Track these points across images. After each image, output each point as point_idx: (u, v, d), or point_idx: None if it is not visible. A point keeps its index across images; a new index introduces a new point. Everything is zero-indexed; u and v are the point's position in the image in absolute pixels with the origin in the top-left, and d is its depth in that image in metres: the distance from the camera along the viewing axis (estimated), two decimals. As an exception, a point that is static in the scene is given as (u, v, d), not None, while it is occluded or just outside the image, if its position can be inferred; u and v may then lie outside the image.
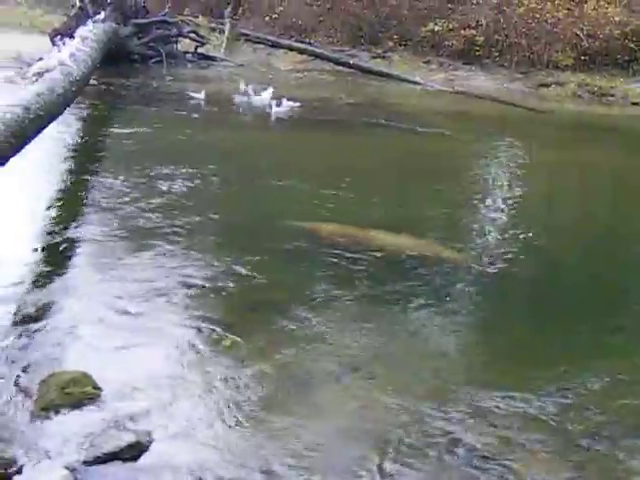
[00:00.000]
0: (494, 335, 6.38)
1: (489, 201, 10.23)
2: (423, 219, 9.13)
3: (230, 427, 4.72)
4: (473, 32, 21.92)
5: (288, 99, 15.78)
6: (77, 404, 4.84)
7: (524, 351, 6.03)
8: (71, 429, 4.63)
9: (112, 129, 13.41)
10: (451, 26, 22.41)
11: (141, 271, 6.99)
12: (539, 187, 11.49)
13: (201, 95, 16.45)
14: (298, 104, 15.82)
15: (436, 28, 22.49)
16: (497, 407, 5.04)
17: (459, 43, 22.08)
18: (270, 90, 16.43)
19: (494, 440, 4.68)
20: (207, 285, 6.76)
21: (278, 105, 15.62)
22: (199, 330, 5.91)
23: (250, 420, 4.78)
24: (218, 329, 5.93)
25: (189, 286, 6.69)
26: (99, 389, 4.99)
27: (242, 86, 17.04)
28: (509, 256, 7.94)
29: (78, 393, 4.91)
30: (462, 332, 6.30)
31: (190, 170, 10.39)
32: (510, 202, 10.18)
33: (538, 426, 4.87)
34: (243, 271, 7.11)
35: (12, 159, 7.72)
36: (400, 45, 23.28)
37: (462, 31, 22.10)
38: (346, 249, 7.63)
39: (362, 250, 7.66)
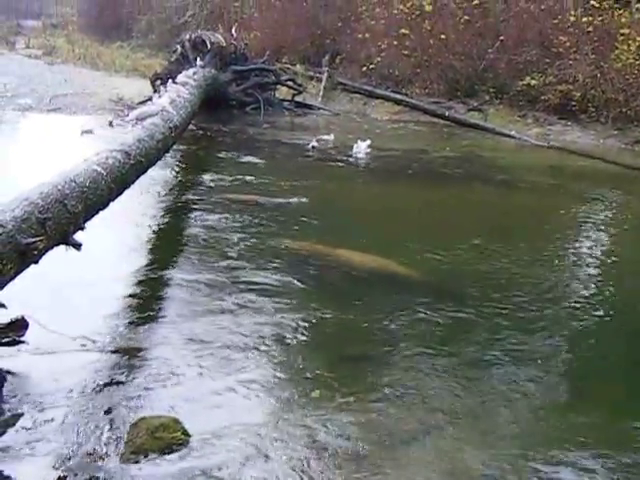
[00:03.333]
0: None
1: (573, 261, 10.11)
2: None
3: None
4: (570, 87, 21.48)
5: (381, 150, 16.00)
6: (166, 449, 4.91)
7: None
8: (160, 474, 4.71)
9: (206, 175, 13.45)
10: (548, 81, 21.94)
11: (233, 319, 7.04)
12: (629, 249, 11.06)
13: (316, 143, 16.66)
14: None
15: (533, 82, 22.12)
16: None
17: (555, 98, 21.66)
18: (367, 142, 16.50)
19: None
20: (298, 336, 6.81)
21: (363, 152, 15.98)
22: (289, 380, 5.96)
23: (337, 474, 4.78)
24: (308, 380, 5.98)
25: (281, 336, 6.76)
26: (188, 435, 5.06)
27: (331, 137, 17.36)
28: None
29: (168, 438, 4.98)
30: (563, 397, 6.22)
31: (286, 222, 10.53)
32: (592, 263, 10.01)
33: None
34: (334, 322, 7.16)
35: (111, 203, 7.98)
36: (496, 98, 23.03)
37: (559, 86, 21.66)
38: (448, 306, 7.60)
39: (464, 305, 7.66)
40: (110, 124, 16.34)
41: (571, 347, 7.07)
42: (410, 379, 6.09)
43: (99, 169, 7.66)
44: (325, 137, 17.03)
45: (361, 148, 16.33)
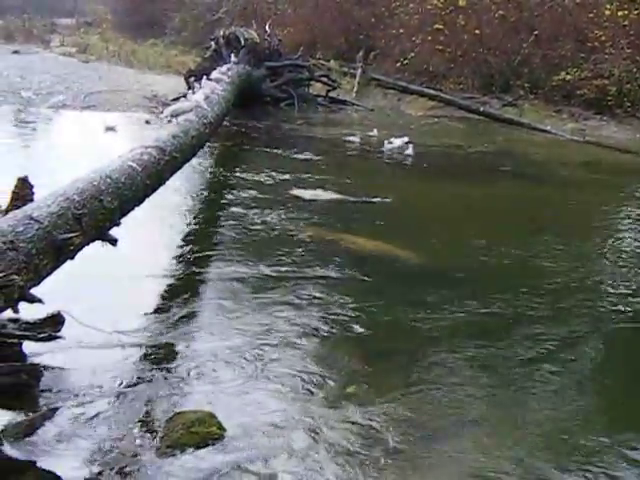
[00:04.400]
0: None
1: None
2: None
3: (350, 475, 4.72)
4: (605, 82, 21.34)
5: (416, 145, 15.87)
6: (202, 444, 4.92)
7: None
8: (196, 468, 4.72)
9: (240, 172, 13.47)
10: (583, 75, 21.84)
11: (268, 315, 7.05)
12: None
13: (356, 138, 16.75)
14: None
15: (568, 77, 21.97)
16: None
17: (591, 92, 21.50)
18: (404, 139, 16.50)
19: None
20: (333, 331, 6.81)
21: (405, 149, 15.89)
22: (323, 376, 5.95)
23: (369, 468, 4.78)
24: (343, 375, 5.97)
25: (315, 331, 6.78)
26: (224, 430, 5.07)
27: (374, 132, 17.58)
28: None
29: (203, 433, 5.00)
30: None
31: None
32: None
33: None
34: (369, 318, 7.14)
35: (147, 199, 8.03)
36: (531, 93, 22.73)
37: (594, 81, 21.48)
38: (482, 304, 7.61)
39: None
40: (147, 122, 16.58)
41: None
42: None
43: (134, 165, 7.69)
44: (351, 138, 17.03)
45: (396, 145, 16.35)
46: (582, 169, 16.05)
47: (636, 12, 22.08)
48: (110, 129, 16.03)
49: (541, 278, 8.55)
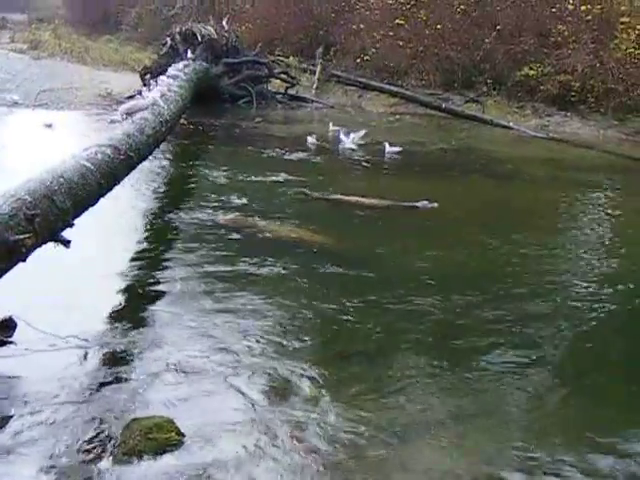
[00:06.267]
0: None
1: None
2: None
3: (314, 478, 4.74)
4: (569, 77, 20.91)
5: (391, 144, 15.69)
6: (160, 450, 4.84)
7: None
8: (154, 476, 4.64)
9: (198, 170, 13.43)
10: (546, 71, 21.66)
11: (226, 318, 7.00)
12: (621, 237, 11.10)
13: (313, 139, 16.35)
14: (398, 149, 15.66)
15: (531, 72, 21.81)
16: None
17: (554, 88, 21.33)
18: (362, 133, 16.40)
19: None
20: (294, 331, 6.83)
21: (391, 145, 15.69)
22: (284, 379, 5.93)
23: (333, 470, 4.81)
24: (304, 377, 5.95)
25: (275, 333, 6.75)
26: (183, 435, 5.02)
27: (331, 127, 17.40)
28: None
29: (162, 439, 4.92)
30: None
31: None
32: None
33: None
34: (330, 319, 7.15)
35: (102, 199, 7.96)
36: (494, 89, 22.64)
37: (557, 76, 21.33)
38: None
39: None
40: (100, 119, 16.31)
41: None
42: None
43: (88, 164, 7.65)
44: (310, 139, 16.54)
45: (349, 140, 16.22)
46: (547, 166, 15.96)
47: (599, 7, 21.96)
48: (48, 126, 15.99)
49: (508, 278, 8.58)
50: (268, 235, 9.56)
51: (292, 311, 7.19)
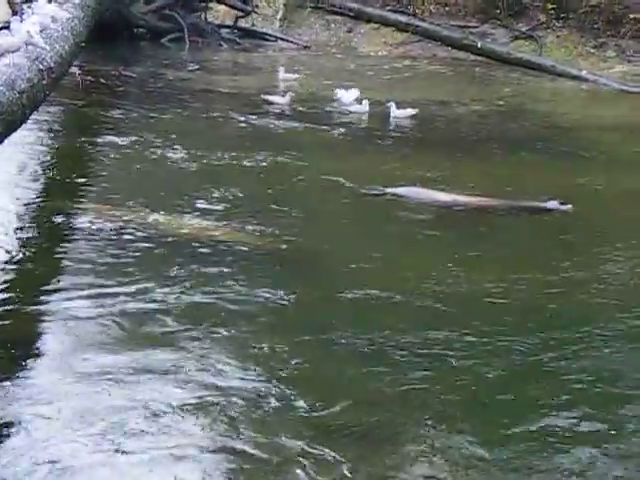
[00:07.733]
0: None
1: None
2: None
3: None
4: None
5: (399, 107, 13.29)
6: None
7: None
8: None
9: (98, 148, 11.10)
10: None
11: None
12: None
13: (283, 100, 13.84)
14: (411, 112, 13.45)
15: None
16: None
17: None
18: (354, 92, 13.97)
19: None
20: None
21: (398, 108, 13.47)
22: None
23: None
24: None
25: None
26: None
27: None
28: None
29: None
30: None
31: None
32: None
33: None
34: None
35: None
36: (557, 19, 19.04)
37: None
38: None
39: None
40: None
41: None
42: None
43: None
44: (273, 98, 13.97)
45: (346, 100, 13.84)
46: (635, 138, 13.38)
47: None
48: None
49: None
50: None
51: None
